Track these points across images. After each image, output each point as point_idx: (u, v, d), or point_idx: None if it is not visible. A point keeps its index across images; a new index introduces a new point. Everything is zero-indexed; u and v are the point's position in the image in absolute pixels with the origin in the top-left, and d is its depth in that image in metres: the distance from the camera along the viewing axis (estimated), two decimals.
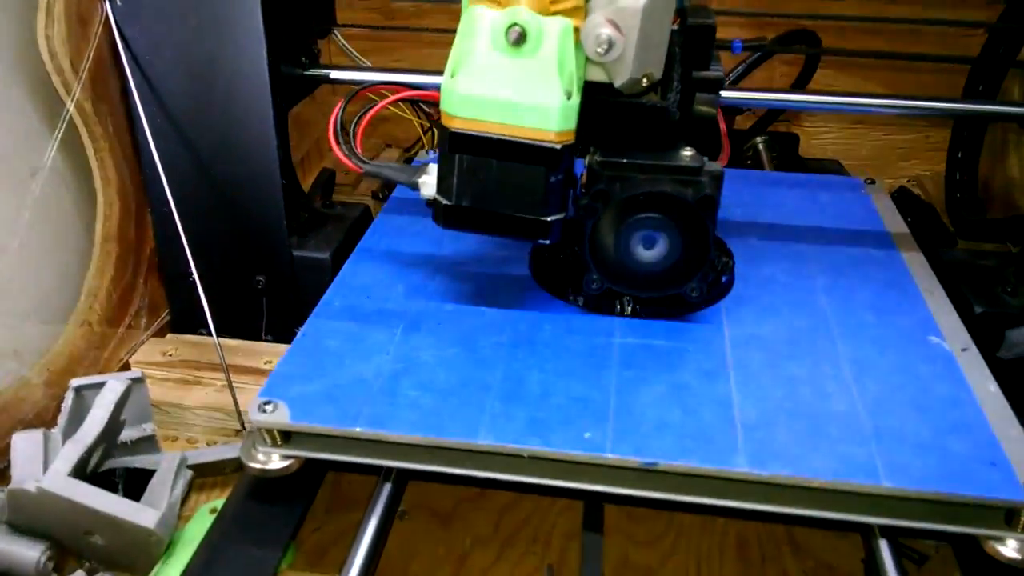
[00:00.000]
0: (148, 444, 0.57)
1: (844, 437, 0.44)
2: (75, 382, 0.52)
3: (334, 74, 0.67)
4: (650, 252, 0.50)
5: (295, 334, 0.52)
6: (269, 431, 0.46)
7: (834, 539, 0.54)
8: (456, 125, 0.45)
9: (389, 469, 0.50)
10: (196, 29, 0.58)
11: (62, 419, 0.52)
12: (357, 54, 0.76)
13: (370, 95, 0.57)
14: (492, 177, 0.46)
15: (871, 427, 0.44)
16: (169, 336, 0.70)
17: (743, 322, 0.53)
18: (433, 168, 0.49)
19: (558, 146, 0.44)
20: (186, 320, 0.69)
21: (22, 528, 0.48)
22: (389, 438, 0.44)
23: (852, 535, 0.52)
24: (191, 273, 0.58)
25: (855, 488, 0.41)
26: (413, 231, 0.65)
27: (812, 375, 0.49)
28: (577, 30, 0.44)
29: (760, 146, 0.91)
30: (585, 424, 0.44)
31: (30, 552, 0.48)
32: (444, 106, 0.45)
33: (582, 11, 0.44)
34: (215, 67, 0.60)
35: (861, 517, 0.42)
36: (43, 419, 0.58)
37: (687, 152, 0.49)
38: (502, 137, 0.44)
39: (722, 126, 0.53)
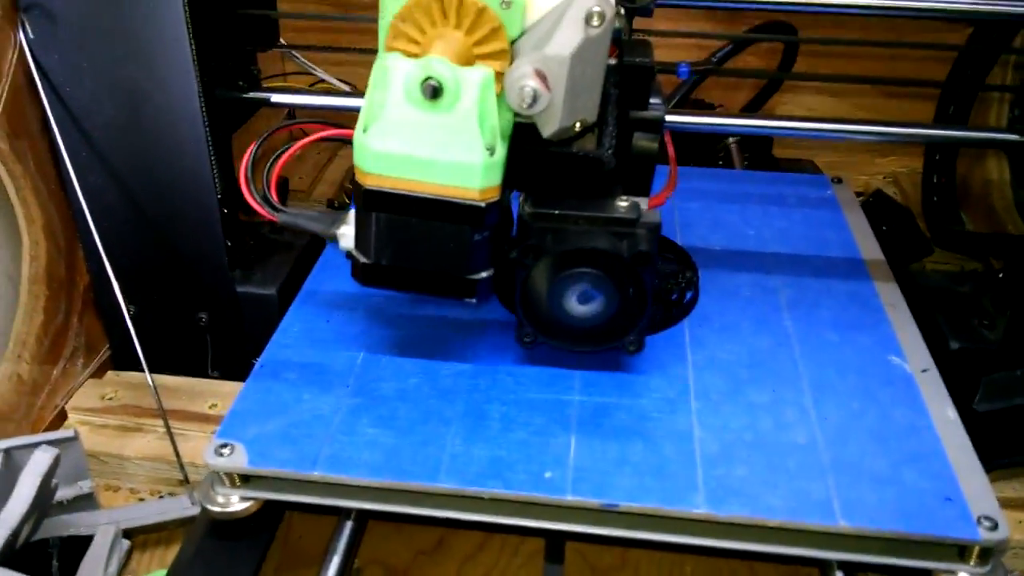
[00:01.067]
0: (86, 502, 0.59)
1: (802, 472, 0.48)
2: (2, 444, 0.53)
3: (275, 97, 0.68)
4: (584, 307, 0.51)
5: (243, 369, 0.54)
6: (228, 473, 0.49)
7: (794, 572, 0.57)
8: (371, 182, 0.45)
9: (349, 509, 0.53)
10: (119, 57, 0.60)
11: None
12: (319, 70, 0.76)
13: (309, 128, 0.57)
14: (412, 235, 0.46)
15: (829, 459, 0.49)
16: (109, 375, 0.72)
17: (706, 344, 0.58)
18: (352, 217, 0.50)
19: (482, 204, 0.44)
20: (127, 356, 0.71)
21: None
22: (347, 482, 0.48)
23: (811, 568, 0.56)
24: (124, 313, 0.60)
25: (812, 528, 0.45)
26: None
27: (773, 402, 0.53)
28: (501, 75, 0.44)
29: (732, 146, 0.94)
30: (545, 462, 0.48)
31: None
32: (357, 161, 0.45)
33: (507, 55, 0.45)
34: (141, 96, 0.61)
35: (818, 552, 0.46)
36: None
37: (622, 203, 0.50)
38: (421, 195, 0.44)
39: (670, 151, 0.54)
